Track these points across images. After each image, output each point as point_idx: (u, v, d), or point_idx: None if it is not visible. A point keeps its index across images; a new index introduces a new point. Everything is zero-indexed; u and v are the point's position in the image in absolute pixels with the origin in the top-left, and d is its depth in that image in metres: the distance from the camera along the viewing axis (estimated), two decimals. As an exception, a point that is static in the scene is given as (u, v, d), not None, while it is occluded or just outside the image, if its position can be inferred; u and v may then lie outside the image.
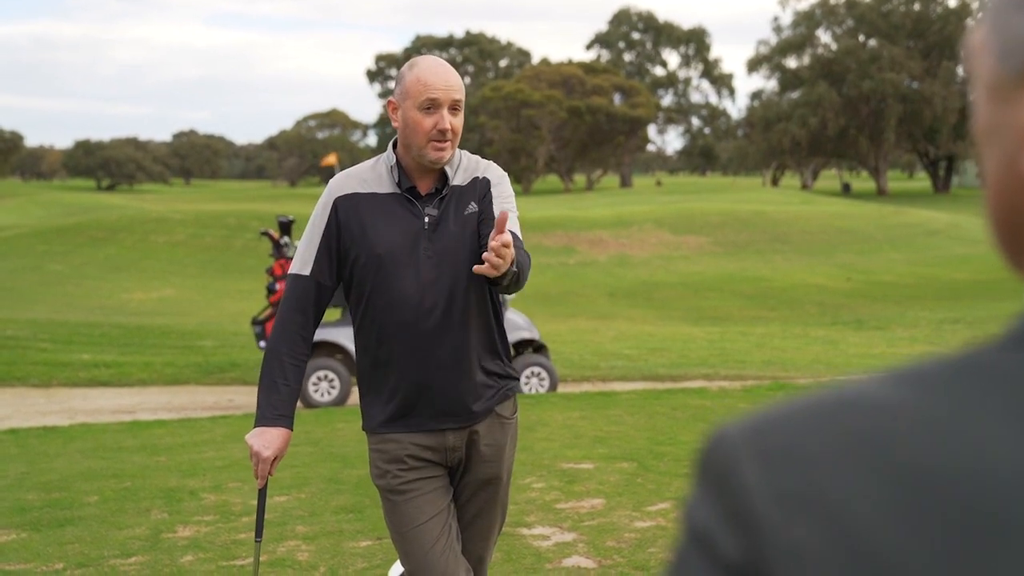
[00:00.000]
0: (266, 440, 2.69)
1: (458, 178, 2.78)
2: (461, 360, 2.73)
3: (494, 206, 2.75)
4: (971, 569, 0.48)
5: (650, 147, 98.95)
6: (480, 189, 2.79)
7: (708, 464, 0.57)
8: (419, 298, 2.68)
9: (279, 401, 2.72)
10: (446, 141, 2.66)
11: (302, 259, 2.77)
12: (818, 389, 0.58)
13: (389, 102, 2.77)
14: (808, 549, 0.51)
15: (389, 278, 2.69)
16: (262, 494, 2.89)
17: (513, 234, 2.59)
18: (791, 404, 0.57)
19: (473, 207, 2.75)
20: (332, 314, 10.20)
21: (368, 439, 2.83)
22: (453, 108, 2.67)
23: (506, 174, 2.90)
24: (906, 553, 0.49)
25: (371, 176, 2.77)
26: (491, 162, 2.89)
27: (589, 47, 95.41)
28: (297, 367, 2.75)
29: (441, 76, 2.67)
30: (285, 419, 2.72)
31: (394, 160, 2.74)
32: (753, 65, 71.58)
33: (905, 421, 0.53)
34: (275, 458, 2.71)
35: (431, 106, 2.65)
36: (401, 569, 3.04)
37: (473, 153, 2.92)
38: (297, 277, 2.77)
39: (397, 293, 2.68)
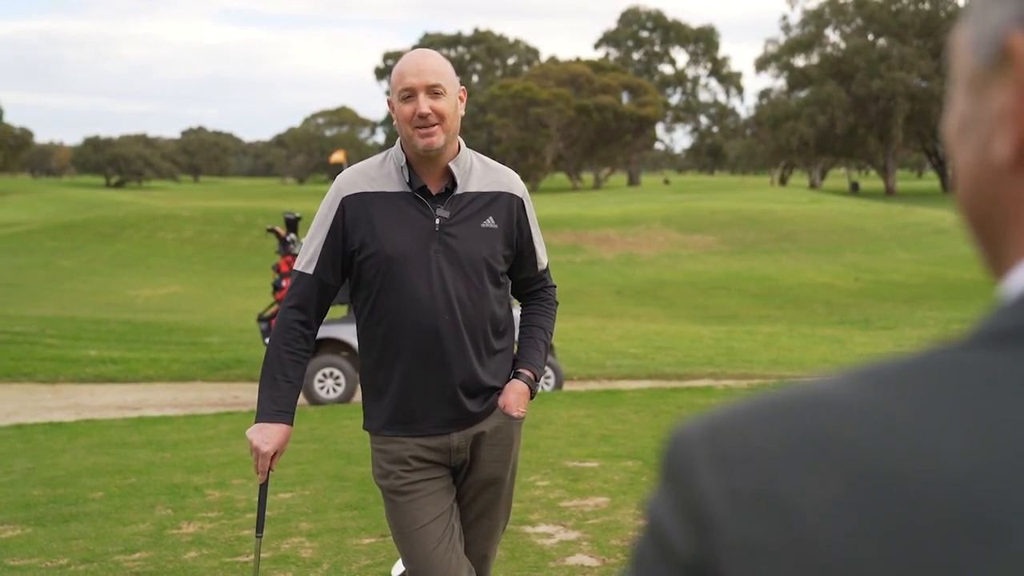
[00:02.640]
0: (266, 435, 2.68)
1: (473, 182, 2.74)
2: (468, 362, 2.71)
3: (534, 242, 2.87)
4: (923, 570, 0.48)
5: (658, 146, 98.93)
6: (507, 207, 2.77)
7: (668, 462, 0.58)
8: (429, 299, 2.66)
9: (279, 397, 2.70)
10: (430, 126, 2.62)
11: (307, 257, 2.74)
12: (779, 387, 0.58)
13: (388, 102, 2.76)
14: (760, 548, 0.51)
15: (399, 278, 2.66)
16: (263, 489, 2.88)
17: (542, 268, 2.94)
18: (751, 402, 0.57)
19: (492, 222, 2.73)
20: (338, 311, 10.20)
21: (371, 439, 2.81)
22: (432, 93, 2.63)
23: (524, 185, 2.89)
24: (858, 554, 0.49)
25: (379, 174, 2.73)
26: (511, 172, 2.86)
27: (597, 45, 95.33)
28: (298, 363, 2.73)
29: (415, 63, 2.65)
30: (285, 415, 2.71)
31: (404, 159, 2.71)
32: (761, 64, 71.46)
33: (863, 421, 0.53)
34: (275, 453, 2.70)
35: (409, 95, 2.63)
36: (403, 568, 3.03)
37: (482, 152, 2.90)
38: (301, 274, 2.75)
39: (407, 294, 2.66)
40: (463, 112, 2.75)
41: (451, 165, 2.71)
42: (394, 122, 2.74)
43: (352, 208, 2.70)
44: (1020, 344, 0.53)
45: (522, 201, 2.82)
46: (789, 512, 0.51)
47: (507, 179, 2.82)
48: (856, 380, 0.55)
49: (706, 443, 0.56)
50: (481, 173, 2.78)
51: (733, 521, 0.52)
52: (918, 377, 0.54)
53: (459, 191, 2.72)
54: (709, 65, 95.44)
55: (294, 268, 2.80)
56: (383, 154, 2.81)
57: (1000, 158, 0.57)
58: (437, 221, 2.68)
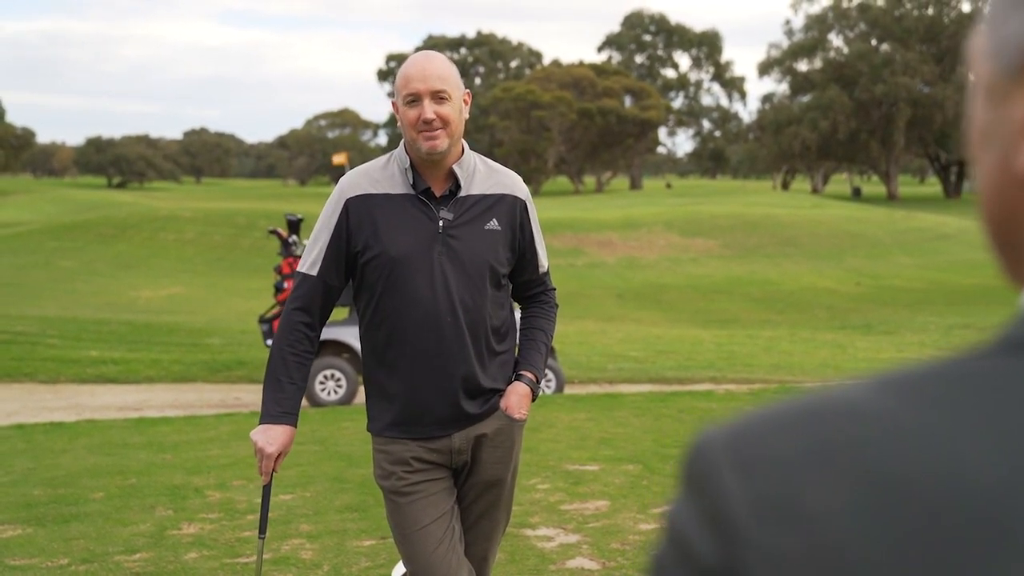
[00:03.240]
0: (270, 437, 2.68)
1: (476, 185, 2.75)
2: (470, 364, 2.72)
3: (536, 244, 2.88)
4: (937, 575, 0.48)
5: (660, 149, 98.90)
6: (510, 209, 2.78)
7: (690, 469, 0.58)
8: (432, 301, 2.66)
9: (283, 398, 2.71)
10: (434, 130, 2.63)
11: (311, 258, 2.75)
12: (800, 394, 0.58)
13: (392, 104, 2.76)
14: (784, 555, 0.52)
15: (402, 280, 2.67)
16: (266, 491, 2.89)
17: (543, 270, 2.96)
18: (772, 410, 0.57)
19: (495, 224, 2.74)
20: (339, 313, 10.20)
21: (373, 440, 2.82)
22: (437, 98, 2.63)
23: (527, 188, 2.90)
24: (875, 558, 0.50)
25: (383, 176, 2.74)
26: (514, 174, 2.87)
27: (600, 49, 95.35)
28: (302, 365, 2.74)
29: (419, 67, 2.65)
30: (289, 416, 2.71)
31: (408, 162, 2.72)
32: (764, 68, 71.44)
33: (884, 429, 0.53)
34: (279, 455, 2.70)
35: (413, 99, 2.64)
36: (403, 569, 3.03)
37: (484, 154, 2.90)
38: (305, 276, 2.76)
39: (410, 295, 2.67)
40: (467, 115, 2.75)
41: (455, 168, 2.72)
42: (398, 124, 2.75)
43: (356, 210, 2.70)
44: None
45: (525, 203, 2.83)
46: (814, 521, 0.52)
47: (510, 181, 2.83)
48: (875, 388, 0.56)
49: (728, 450, 0.56)
50: (484, 175, 2.79)
51: (757, 527, 0.53)
52: (937, 385, 0.54)
53: (463, 193, 2.72)
54: (712, 69, 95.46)
55: (298, 270, 2.80)
56: (386, 156, 2.81)
57: (1023, 169, 0.56)
58: (440, 223, 2.69)
